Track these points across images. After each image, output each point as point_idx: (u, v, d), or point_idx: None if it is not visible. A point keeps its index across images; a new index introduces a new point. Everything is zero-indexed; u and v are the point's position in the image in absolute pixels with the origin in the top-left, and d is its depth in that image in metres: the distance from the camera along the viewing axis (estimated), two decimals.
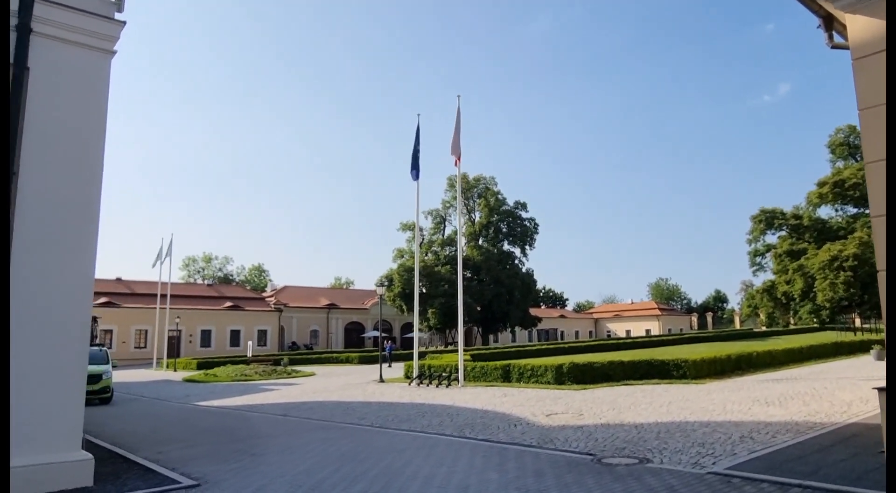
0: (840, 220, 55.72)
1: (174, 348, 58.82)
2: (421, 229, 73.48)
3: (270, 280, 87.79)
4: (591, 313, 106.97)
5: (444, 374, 22.11)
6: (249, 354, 40.52)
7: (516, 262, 71.43)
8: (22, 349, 7.31)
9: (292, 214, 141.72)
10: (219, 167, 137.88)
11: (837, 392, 14.42)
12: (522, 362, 22.20)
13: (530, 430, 11.13)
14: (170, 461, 9.36)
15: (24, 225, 7.61)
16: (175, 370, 42.11)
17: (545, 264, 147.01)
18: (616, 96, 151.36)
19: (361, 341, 73.38)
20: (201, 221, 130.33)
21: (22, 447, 7.19)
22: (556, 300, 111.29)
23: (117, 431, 13.38)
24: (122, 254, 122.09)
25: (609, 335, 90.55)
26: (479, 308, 67.36)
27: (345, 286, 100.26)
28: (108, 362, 21.62)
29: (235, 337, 63.62)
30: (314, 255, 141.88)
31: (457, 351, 44.35)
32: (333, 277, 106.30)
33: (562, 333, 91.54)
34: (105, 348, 23.40)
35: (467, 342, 77.69)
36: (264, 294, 75.24)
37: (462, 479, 7.38)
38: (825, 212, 56.93)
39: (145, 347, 57.21)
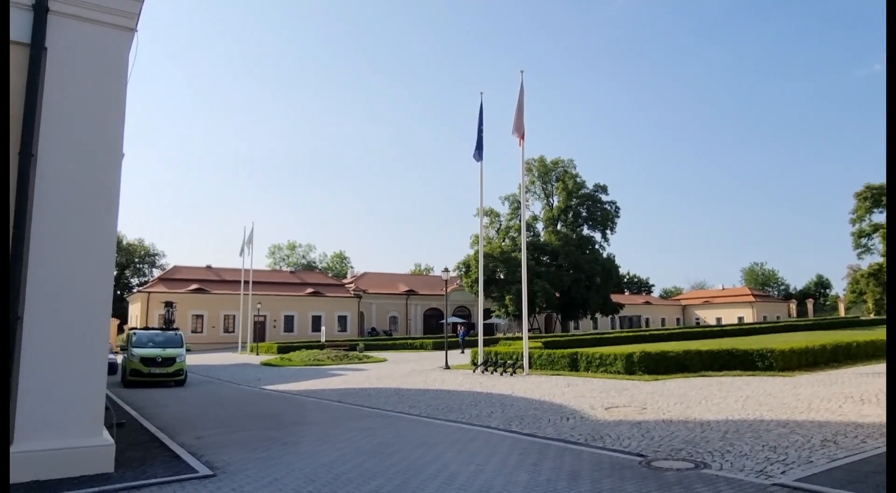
0: None
1: (260, 333, 61.31)
2: (498, 215, 72.60)
3: (351, 267, 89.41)
4: (679, 299, 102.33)
5: (508, 361, 21.31)
6: (323, 339, 41.18)
7: (596, 247, 69.14)
8: (39, 332, 7.22)
9: (373, 202, 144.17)
10: (299, 158, 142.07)
11: None
12: (591, 350, 21.04)
13: (582, 424, 10.21)
14: (203, 447, 9.19)
15: (42, 206, 7.50)
16: (257, 354, 43.52)
17: (629, 249, 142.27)
18: (701, 76, 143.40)
19: (440, 327, 73.52)
20: (286, 211, 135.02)
21: (38, 431, 7.10)
22: (640, 286, 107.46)
23: (172, 413, 13.55)
24: (213, 243, 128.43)
25: (697, 323, 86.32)
26: (557, 294, 65.76)
27: (425, 273, 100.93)
28: (182, 346, 22.32)
29: (317, 322, 65.23)
30: (395, 242, 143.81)
31: (533, 338, 43.42)
32: (413, 263, 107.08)
33: (646, 320, 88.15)
34: (180, 332, 24.17)
35: (547, 329, 76.26)
36: (344, 281, 76.77)
37: (487, 480, 6.65)
38: None
39: (233, 331, 59.54)
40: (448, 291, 76.10)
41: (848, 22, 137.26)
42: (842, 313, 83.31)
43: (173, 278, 61.67)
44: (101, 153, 8.05)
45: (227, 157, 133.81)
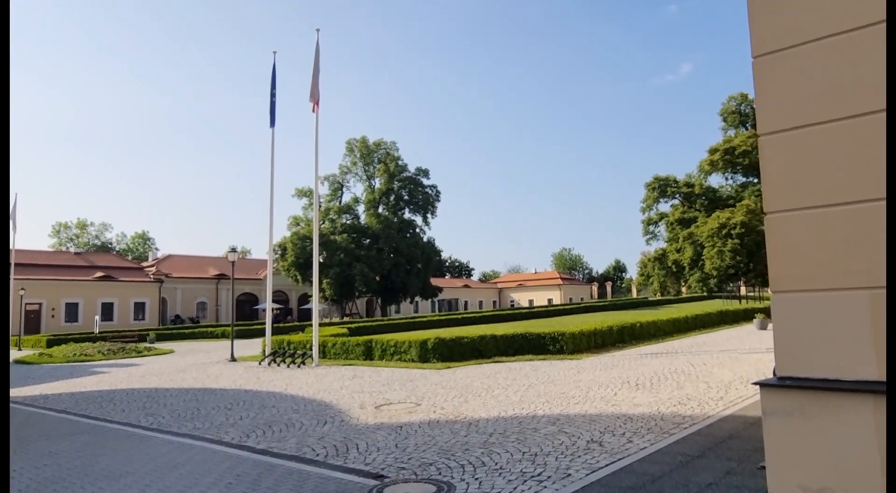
0: (729, 188, 56.60)
1: (34, 324, 52.80)
2: (319, 196, 69.51)
3: (155, 249, 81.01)
4: (496, 283, 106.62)
5: (298, 352, 19.25)
6: (96, 330, 35.91)
7: (417, 231, 68.95)
8: None
9: (179, 180, 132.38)
10: (88, 131, 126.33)
11: (716, 370, 12.77)
12: (386, 337, 19.67)
13: (337, 431, 8.53)
14: None
15: None
16: (20, 349, 36.89)
17: (450, 233, 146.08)
18: (523, 70, 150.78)
19: (255, 314, 68.99)
20: (74, 186, 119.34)
21: None
22: (461, 270, 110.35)
23: None
24: None
25: (512, 305, 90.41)
26: (377, 278, 64.59)
27: (241, 256, 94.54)
28: None
29: (108, 311, 57.77)
30: (206, 224, 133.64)
31: (341, 324, 41.51)
32: (228, 246, 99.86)
33: (465, 303, 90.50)
34: None
35: (368, 314, 74.97)
36: (144, 264, 69.04)
37: None
38: (716, 180, 57.71)
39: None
40: (263, 275, 72.41)
41: (657, 32, 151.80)
42: (634, 294, 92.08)
43: None
44: None
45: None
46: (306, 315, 71.20)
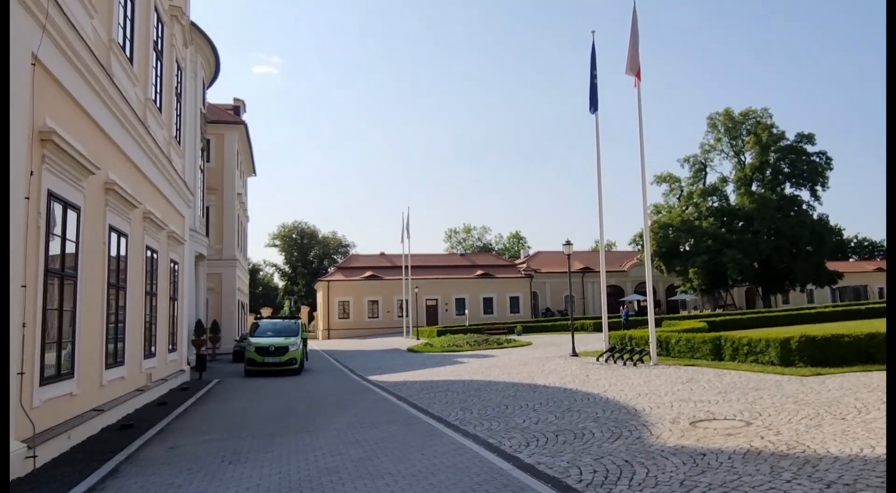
0: None
1: (432, 316, 61.95)
2: (678, 180, 65.22)
3: (527, 247, 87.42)
4: None
5: (636, 349, 17.69)
6: (467, 323, 39.65)
7: (804, 207, 58.83)
8: None
9: (550, 179, 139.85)
10: (463, 145, 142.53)
11: None
12: (737, 334, 16.55)
13: (624, 450, 7.02)
14: (161, 459, 7.89)
15: None
16: (417, 338, 43.38)
17: (854, 207, 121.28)
18: None
19: (621, 306, 68.51)
20: (462, 198, 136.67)
21: None
22: (872, 251, 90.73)
23: (214, 410, 12.70)
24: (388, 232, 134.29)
25: None
26: (754, 265, 57.26)
27: (608, 248, 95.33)
28: (297, 335, 22.02)
29: (489, 304, 64.36)
30: (573, 220, 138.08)
31: (702, 317, 37.63)
32: (594, 240, 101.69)
33: (879, 290, 73.82)
34: (299, 321, 24.00)
35: (748, 305, 67.11)
36: (517, 262, 74.92)
37: None
38: None
39: (408, 315, 60.98)
40: (627, 267, 71.51)
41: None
42: None
43: (349, 267, 64.73)
44: None
45: (412, 146, 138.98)
46: (674, 307, 67.58)
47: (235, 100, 44.19)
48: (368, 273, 62.23)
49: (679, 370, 14.77)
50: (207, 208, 35.69)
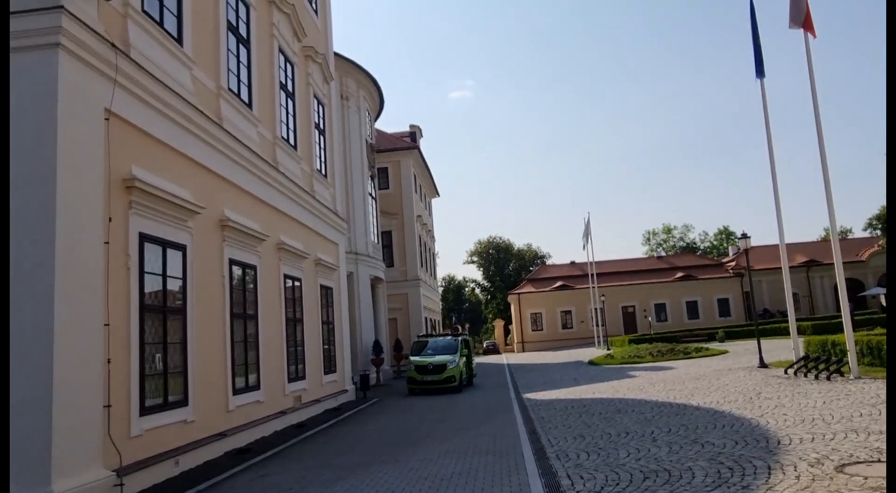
0: None
1: (630, 324, 58.46)
2: None
3: (736, 242, 78.83)
4: None
5: (833, 358, 14.48)
6: (651, 330, 36.36)
7: None
8: None
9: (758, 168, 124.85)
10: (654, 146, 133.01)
11: None
12: None
13: None
14: (240, 487, 8.01)
15: None
16: (608, 349, 41.09)
17: None
18: None
19: (861, 302, 58.39)
20: (656, 197, 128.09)
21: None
22: None
23: (343, 434, 12.84)
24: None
25: None
26: None
27: (842, 236, 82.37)
28: (455, 353, 21.82)
29: (693, 309, 59.12)
30: (792, 208, 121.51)
31: None
32: (822, 229, 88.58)
33: None
34: (461, 338, 23.73)
35: None
36: (724, 260, 67.98)
37: None
38: None
39: (597, 325, 58.47)
40: (866, 256, 61.03)
41: None
42: None
43: (540, 278, 63.94)
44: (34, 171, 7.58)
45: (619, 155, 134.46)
46: None
47: (411, 126, 46.32)
48: (559, 283, 60.88)
49: (882, 388, 11.69)
50: (388, 233, 37.53)
